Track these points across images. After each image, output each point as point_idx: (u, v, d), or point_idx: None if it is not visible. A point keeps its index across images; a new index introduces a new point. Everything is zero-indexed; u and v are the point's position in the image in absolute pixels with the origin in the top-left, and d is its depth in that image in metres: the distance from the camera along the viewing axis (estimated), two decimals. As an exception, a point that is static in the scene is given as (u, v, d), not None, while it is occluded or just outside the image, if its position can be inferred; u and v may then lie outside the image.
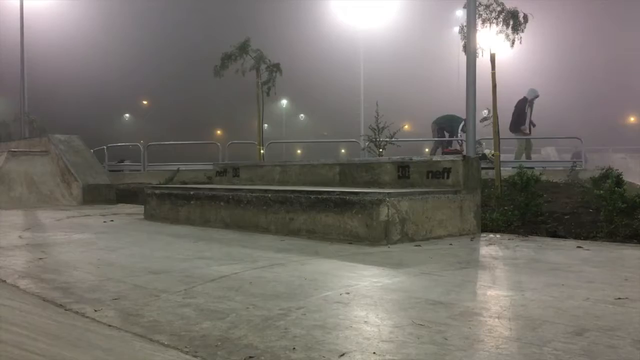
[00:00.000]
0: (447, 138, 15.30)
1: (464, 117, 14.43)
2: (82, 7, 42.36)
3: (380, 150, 10.55)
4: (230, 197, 6.58)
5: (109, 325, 2.54)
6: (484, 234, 5.63)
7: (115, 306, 2.86)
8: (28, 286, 3.38)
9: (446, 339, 2.27)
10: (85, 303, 2.93)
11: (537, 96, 15.17)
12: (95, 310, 2.77)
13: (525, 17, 8.11)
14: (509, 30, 8.08)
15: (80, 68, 43.44)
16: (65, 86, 41.95)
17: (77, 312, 2.76)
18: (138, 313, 2.73)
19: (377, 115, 10.41)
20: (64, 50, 42.13)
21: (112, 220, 7.66)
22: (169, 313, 2.72)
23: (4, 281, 3.54)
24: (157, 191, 7.99)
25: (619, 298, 2.91)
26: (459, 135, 14.82)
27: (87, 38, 44.10)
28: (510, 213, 6.08)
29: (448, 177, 5.67)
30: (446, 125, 15.33)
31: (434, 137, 15.89)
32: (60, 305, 2.91)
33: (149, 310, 2.77)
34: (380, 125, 10.45)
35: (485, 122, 13.82)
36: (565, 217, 6.18)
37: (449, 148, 14.93)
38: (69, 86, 42.24)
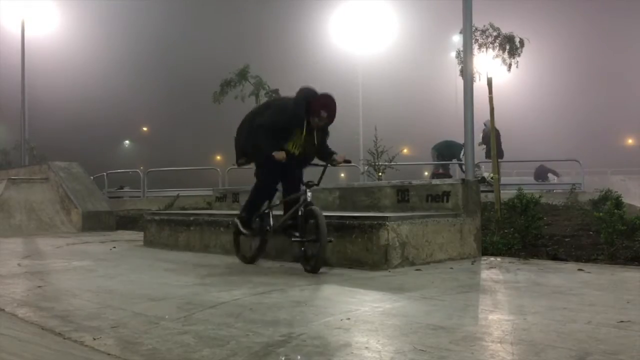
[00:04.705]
0: (445, 162, 15.21)
1: (461, 142, 14.45)
2: (81, 36, 42.78)
3: (380, 174, 10.56)
4: (230, 222, 6.56)
5: (108, 354, 2.52)
6: (484, 258, 5.61)
7: (114, 334, 2.84)
8: (27, 315, 3.35)
9: (448, 364, 2.25)
10: (84, 331, 2.91)
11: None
12: (94, 339, 2.75)
13: (522, 42, 8.21)
14: (506, 55, 8.17)
15: (80, 95, 43.69)
16: (65, 113, 42.15)
17: (75, 341, 2.74)
18: (137, 341, 2.71)
19: (376, 139, 10.44)
20: (63, 78, 42.44)
21: (113, 248, 7.64)
22: (168, 341, 2.70)
23: (3, 310, 3.51)
24: (156, 217, 7.98)
25: (622, 321, 2.88)
26: (461, 159, 14.72)
27: (87, 66, 44.43)
28: (510, 236, 6.07)
29: (448, 201, 5.66)
30: (446, 153, 15.21)
31: (433, 162, 15.85)
32: (59, 333, 2.88)
33: (148, 338, 2.75)
34: (379, 150, 10.47)
35: (484, 146, 13.86)
36: (566, 239, 6.16)
37: (440, 170, 14.80)
38: (68, 113, 42.44)
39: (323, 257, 4.70)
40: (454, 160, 15.04)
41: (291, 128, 5.05)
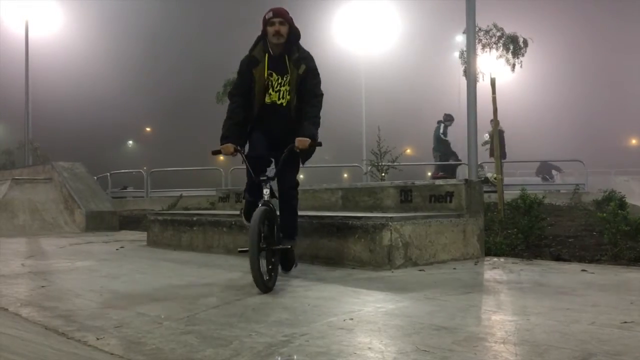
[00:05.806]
0: (447, 162, 15.16)
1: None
2: (85, 37, 42.95)
3: (383, 174, 10.56)
4: (233, 222, 6.58)
5: (111, 354, 2.52)
6: (487, 258, 5.60)
7: (117, 334, 2.85)
8: (30, 314, 3.36)
9: (451, 365, 2.25)
10: (88, 331, 2.91)
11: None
12: (98, 339, 2.76)
13: (525, 42, 8.21)
14: (509, 55, 8.17)
15: (84, 96, 43.86)
16: (69, 114, 42.29)
17: (79, 341, 2.75)
18: (140, 341, 2.71)
19: (379, 139, 10.44)
20: (67, 78, 42.58)
21: (120, 248, 7.64)
22: (171, 341, 2.70)
23: (6, 309, 3.52)
24: (159, 217, 7.98)
25: (625, 322, 2.88)
26: (446, 137, 14.70)
27: (90, 67, 44.58)
28: (513, 236, 6.05)
29: (451, 201, 5.65)
30: (441, 148, 15.10)
31: (435, 163, 15.79)
32: (62, 333, 2.89)
33: (151, 338, 2.75)
34: (382, 150, 10.47)
35: (487, 146, 13.86)
36: (569, 240, 6.15)
37: (440, 173, 14.75)
38: (72, 114, 42.58)
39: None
40: (454, 157, 15.03)
41: (255, 71, 4.34)
